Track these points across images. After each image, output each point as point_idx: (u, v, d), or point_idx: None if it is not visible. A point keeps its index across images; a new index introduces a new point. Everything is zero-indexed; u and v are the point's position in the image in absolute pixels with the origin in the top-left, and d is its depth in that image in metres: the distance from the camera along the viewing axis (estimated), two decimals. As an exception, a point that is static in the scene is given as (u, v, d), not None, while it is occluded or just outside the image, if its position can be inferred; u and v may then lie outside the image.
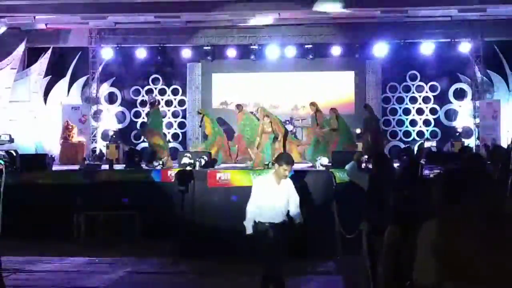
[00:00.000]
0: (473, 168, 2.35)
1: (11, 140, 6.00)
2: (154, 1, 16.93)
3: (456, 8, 17.31)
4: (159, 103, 18.49)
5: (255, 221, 7.24)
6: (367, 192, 7.62)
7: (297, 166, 12.16)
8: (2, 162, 5.20)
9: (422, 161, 12.23)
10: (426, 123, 19.88)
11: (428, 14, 18.41)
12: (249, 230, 7.28)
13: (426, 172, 3.44)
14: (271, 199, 7.21)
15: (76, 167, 15.15)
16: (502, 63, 18.53)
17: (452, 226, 1.94)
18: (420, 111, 19.93)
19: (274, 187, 7.27)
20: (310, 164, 14.79)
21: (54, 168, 15.01)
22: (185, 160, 13.33)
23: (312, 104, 16.04)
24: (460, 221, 1.93)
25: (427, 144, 18.02)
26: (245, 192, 11.37)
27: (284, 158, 7.35)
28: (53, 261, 10.67)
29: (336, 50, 19.31)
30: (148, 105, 17.16)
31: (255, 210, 7.25)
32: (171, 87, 20.65)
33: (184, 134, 20.49)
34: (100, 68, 20.19)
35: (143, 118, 19.77)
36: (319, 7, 16.56)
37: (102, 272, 9.85)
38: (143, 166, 14.62)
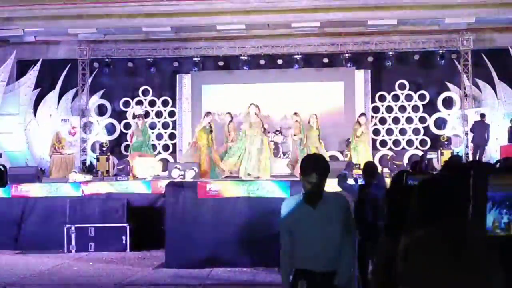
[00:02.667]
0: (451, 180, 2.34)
1: None
2: (143, 13, 16.99)
3: (445, 16, 17.47)
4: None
5: (300, 270, 4.36)
6: (358, 201, 7.65)
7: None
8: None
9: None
10: (416, 131, 19.95)
11: (416, 23, 18.56)
12: (284, 284, 4.45)
13: (409, 182, 3.44)
14: (304, 233, 4.32)
15: (67, 179, 15.11)
16: (490, 71, 18.63)
17: (413, 243, 1.94)
18: (409, 120, 20.01)
19: (306, 214, 4.30)
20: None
21: (44, 180, 14.98)
22: (175, 171, 13.35)
23: (295, 114, 16.22)
24: (422, 240, 1.93)
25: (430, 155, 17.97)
26: (231, 203, 11.48)
27: (305, 164, 4.31)
28: (43, 274, 10.61)
29: (325, 60, 19.42)
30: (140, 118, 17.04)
31: (289, 253, 4.40)
32: (161, 99, 20.64)
33: (174, 145, 20.49)
34: (89, 80, 20.22)
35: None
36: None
37: (92, 285, 9.81)
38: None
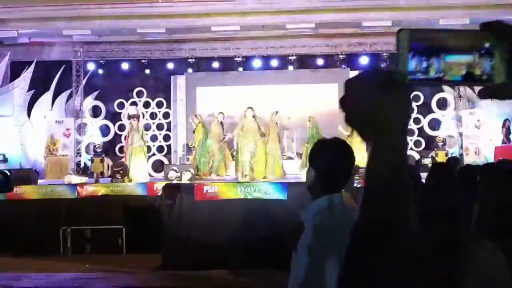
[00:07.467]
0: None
1: (5, 160, 5.96)
2: (138, 14, 16.96)
3: (439, 17, 17.50)
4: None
5: None
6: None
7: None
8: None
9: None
10: (410, 132, 19.96)
11: (411, 24, 18.59)
12: None
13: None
14: None
15: (61, 181, 15.07)
16: (484, 72, 18.64)
17: None
18: (403, 121, 19.98)
19: None
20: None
21: (39, 182, 14.93)
22: (172, 173, 13.35)
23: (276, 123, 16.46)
24: None
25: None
26: (228, 205, 11.46)
27: None
28: (39, 277, 10.58)
29: (319, 61, 19.44)
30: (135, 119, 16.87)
31: None
32: (156, 100, 20.61)
33: (169, 146, 20.47)
34: (84, 82, 20.16)
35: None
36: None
37: (89, 288, 9.79)
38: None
